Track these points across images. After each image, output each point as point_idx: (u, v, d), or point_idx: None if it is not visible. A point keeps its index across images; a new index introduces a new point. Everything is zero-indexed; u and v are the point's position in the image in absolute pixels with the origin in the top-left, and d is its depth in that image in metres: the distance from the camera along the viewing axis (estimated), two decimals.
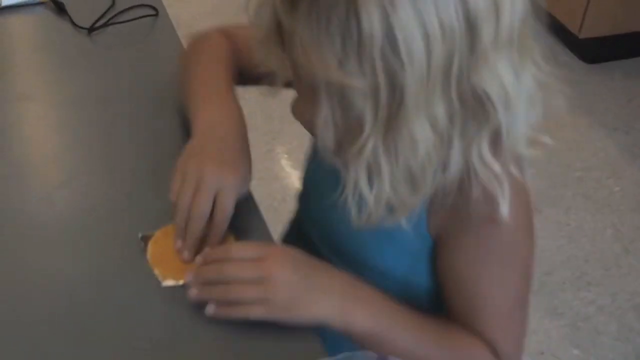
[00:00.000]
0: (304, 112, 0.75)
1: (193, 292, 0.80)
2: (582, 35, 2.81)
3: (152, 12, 1.28)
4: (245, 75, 0.99)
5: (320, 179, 0.91)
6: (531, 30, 0.71)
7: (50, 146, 1.08)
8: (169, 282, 0.84)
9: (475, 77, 0.66)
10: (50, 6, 1.29)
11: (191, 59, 1.03)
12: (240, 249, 0.83)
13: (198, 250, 0.85)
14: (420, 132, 0.67)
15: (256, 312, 0.77)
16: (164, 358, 0.78)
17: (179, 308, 0.82)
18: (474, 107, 0.68)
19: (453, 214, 0.78)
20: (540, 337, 1.91)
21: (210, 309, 0.79)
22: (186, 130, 0.95)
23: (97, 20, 1.25)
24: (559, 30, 2.95)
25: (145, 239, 0.88)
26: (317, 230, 0.99)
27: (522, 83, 0.70)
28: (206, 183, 0.84)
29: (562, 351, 1.89)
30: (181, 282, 0.83)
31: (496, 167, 0.73)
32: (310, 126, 0.75)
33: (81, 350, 0.78)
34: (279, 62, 0.74)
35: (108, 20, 1.26)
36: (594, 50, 2.88)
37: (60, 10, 1.28)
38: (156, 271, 0.85)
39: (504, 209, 0.75)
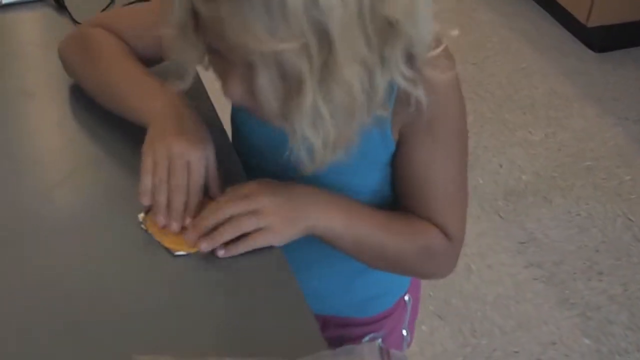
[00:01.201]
0: (238, 90, 0.78)
1: (203, 246, 0.85)
2: (590, 24, 2.79)
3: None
4: (140, 58, 1.03)
5: (264, 136, 0.95)
6: None
7: (51, 142, 1.07)
8: (181, 252, 0.87)
9: (382, 7, 0.72)
10: (50, 3, 1.29)
11: (93, 63, 1.04)
12: (225, 196, 0.89)
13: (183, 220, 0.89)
14: (351, 72, 0.72)
15: (261, 240, 0.86)
16: (171, 348, 0.77)
17: (183, 302, 0.82)
18: (386, 33, 0.74)
19: (408, 117, 0.86)
20: (551, 328, 1.90)
21: (220, 252, 0.85)
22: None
23: None
24: (566, 20, 2.94)
25: (145, 220, 0.89)
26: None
27: None
28: (177, 157, 0.88)
29: (573, 341, 1.88)
30: (193, 250, 0.86)
31: (412, 75, 0.79)
32: (247, 102, 0.79)
33: (85, 346, 0.78)
34: (194, 54, 0.78)
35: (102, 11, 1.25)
36: (602, 39, 2.86)
37: (60, 7, 1.28)
38: (167, 245, 0.87)
39: (423, 105, 0.82)
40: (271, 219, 0.86)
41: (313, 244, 0.90)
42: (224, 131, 1.03)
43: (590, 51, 2.89)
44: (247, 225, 0.85)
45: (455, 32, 0.84)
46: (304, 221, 0.88)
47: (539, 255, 2.11)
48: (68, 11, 1.27)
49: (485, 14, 3.10)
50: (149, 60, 1.02)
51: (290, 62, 0.71)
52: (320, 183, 0.92)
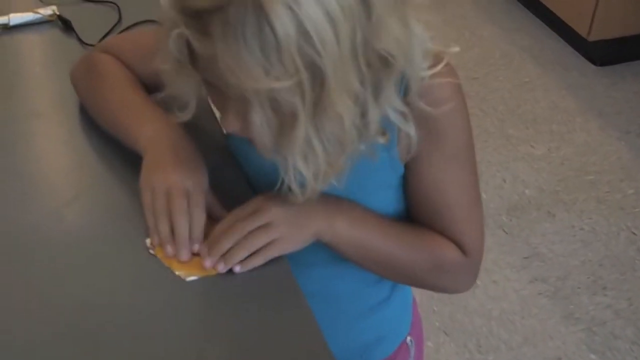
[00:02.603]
0: (235, 122, 0.79)
1: (220, 268, 0.86)
2: (591, 38, 2.81)
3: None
4: (145, 84, 1.05)
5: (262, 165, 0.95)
6: None
7: (59, 162, 1.08)
8: (192, 277, 0.87)
9: (376, 42, 0.73)
10: (57, 24, 1.30)
11: (95, 84, 1.06)
12: (233, 215, 0.89)
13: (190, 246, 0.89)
14: (343, 106, 0.73)
15: (274, 251, 0.87)
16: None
17: (189, 312, 0.83)
18: (379, 67, 0.75)
19: (415, 139, 0.86)
20: (556, 343, 1.90)
21: (236, 269, 0.87)
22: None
23: (103, 37, 1.26)
24: (568, 34, 2.95)
25: (153, 246, 0.89)
26: None
27: (411, 29, 0.77)
28: (174, 186, 0.89)
29: (579, 356, 1.88)
30: (203, 274, 0.87)
31: (403, 107, 0.81)
32: (244, 133, 0.79)
33: None
34: (192, 87, 0.80)
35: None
36: (604, 53, 2.88)
37: (67, 27, 1.29)
38: (177, 272, 0.87)
39: (413, 138, 0.84)
40: (282, 229, 0.87)
41: (316, 280, 0.90)
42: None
43: (591, 65, 2.90)
44: (260, 241, 0.87)
45: (455, 49, 0.85)
46: (313, 226, 0.89)
47: (544, 270, 2.11)
48: (75, 33, 1.28)
49: (487, 29, 3.11)
50: (154, 86, 1.02)
51: (284, 98, 0.71)
52: None
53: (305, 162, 0.77)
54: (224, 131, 0.98)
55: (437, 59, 0.84)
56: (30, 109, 1.15)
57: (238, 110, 0.77)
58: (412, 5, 0.79)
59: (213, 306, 0.86)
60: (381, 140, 0.83)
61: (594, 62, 2.90)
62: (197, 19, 0.70)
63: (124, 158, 1.01)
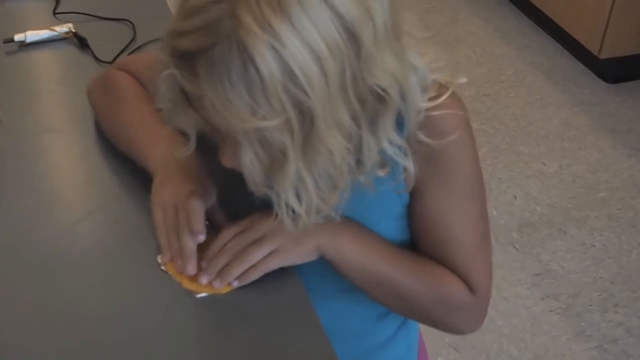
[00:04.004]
0: (229, 159, 0.80)
1: (216, 285, 0.87)
2: (602, 56, 2.81)
3: None
4: None
5: None
6: (395, 10, 0.76)
7: (75, 178, 1.10)
8: (202, 294, 0.87)
9: (368, 77, 0.72)
10: (73, 41, 1.32)
11: (109, 102, 1.07)
12: (230, 229, 0.89)
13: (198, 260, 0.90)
14: (333, 143, 0.73)
15: (272, 264, 0.86)
16: None
17: (200, 330, 0.84)
18: (373, 102, 0.74)
19: (420, 168, 0.85)
20: None
21: (234, 283, 0.87)
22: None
23: (118, 54, 1.28)
24: (579, 52, 2.95)
25: (165, 262, 0.90)
26: None
27: (404, 61, 0.76)
28: (180, 204, 0.89)
29: None
30: (213, 291, 0.87)
31: (401, 142, 0.80)
32: (239, 169, 0.79)
33: None
34: (190, 122, 0.80)
35: (129, 54, 1.28)
36: (615, 71, 2.88)
37: (83, 45, 1.31)
38: (187, 287, 0.88)
39: (411, 172, 0.83)
40: (279, 240, 0.86)
41: (321, 315, 0.88)
42: None
43: (603, 82, 2.90)
44: (255, 255, 0.86)
45: (462, 80, 0.84)
46: (313, 240, 0.87)
47: (555, 287, 2.10)
48: (91, 50, 1.30)
49: (499, 46, 3.12)
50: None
51: (272, 137, 0.72)
52: None
53: (297, 198, 0.77)
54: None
55: (442, 89, 0.83)
56: (46, 124, 1.17)
57: (230, 147, 0.77)
58: (411, 38, 0.79)
59: (224, 324, 0.87)
60: (381, 173, 0.83)
61: (605, 80, 2.90)
62: (185, 60, 0.71)
63: (138, 174, 1.02)
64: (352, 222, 0.90)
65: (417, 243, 0.95)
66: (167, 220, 0.90)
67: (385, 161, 0.82)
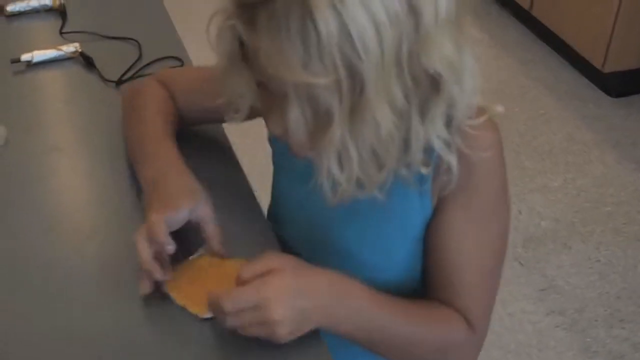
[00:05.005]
0: (277, 123, 0.80)
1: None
2: (606, 70, 2.81)
3: (178, 63, 1.32)
4: (185, 117, 1.08)
5: (297, 184, 0.93)
6: (463, 4, 0.77)
7: (81, 197, 1.10)
8: (207, 315, 0.87)
9: (424, 56, 0.73)
10: (79, 61, 1.33)
11: (130, 114, 1.10)
12: (244, 272, 0.83)
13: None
14: (382, 115, 0.73)
15: (258, 333, 0.81)
16: None
17: (205, 350, 0.84)
18: (427, 85, 0.75)
19: (445, 185, 0.85)
20: None
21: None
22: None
23: (124, 73, 1.29)
24: (583, 66, 2.96)
25: (166, 286, 0.90)
26: (304, 243, 1.02)
27: (463, 56, 0.77)
28: (147, 226, 0.89)
29: None
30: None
31: (447, 136, 0.80)
32: (284, 134, 0.79)
33: None
34: (245, 86, 0.80)
35: (135, 73, 1.30)
36: (619, 84, 2.88)
37: (89, 64, 1.32)
38: (191, 310, 0.88)
39: (454, 170, 0.82)
40: (279, 331, 0.80)
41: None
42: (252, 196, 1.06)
43: (607, 97, 2.91)
44: (251, 332, 0.82)
45: (500, 109, 0.84)
46: (307, 328, 0.83)
47: (560, 302, 2.10)
48: (97, 69, 1.31)
49: (503, 61, 3.13)
50: (192, 120, 1.08)
51: (321, 96, 0.72)
52: (354, 252, 0.92)
53: (339, 167, 0.77)
54: (268, 136, 0.99)
55: (480, 112, 0.83)
56: (52, 144, 1.18)
57: (280, 110, 0.77)
58: (467, 31, 0.78)
59: (227, 345, 0.86)
60: (423, 170, 0.82)
61: (609, 94, 2.90)
62: (247, 10, 0.72)
63: (142, 194, 1.02)
64: (354, 290, 0.85)
65: (425, 265, 0.94)
66: (139, 246, 0.88)
67: (428, 158, 0.82)
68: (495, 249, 0.92)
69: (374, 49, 0.69)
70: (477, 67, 0.80)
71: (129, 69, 1.30)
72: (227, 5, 0.75)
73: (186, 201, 0.92)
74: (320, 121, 0.75)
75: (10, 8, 1.46)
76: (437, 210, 0.89)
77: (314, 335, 0.85)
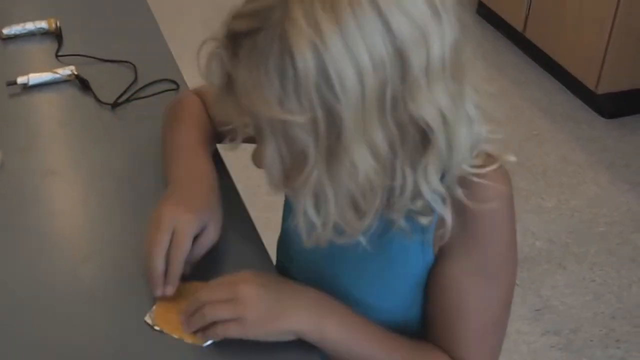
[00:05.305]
0: (258, 157, 0.79)
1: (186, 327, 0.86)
2: (599, 91, 2.83)
3: (174, 86, 1.33)
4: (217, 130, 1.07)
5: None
6: (466, 56, 0.74)
7: (76, 220, 1.11)
8: (209, 342, 0.86)
9: (411, 104, 0.70)
10: (75, 83, 1.34)
11: (168, 125, 1.10)
12: (214, 282, 0.87)
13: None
14: (360, 159, 0.71)
15: (232, 330, 0.82)
16: None
17: None
18: (415, 135, 0.72)
19: (449, 226, 0.81)
20: None
21: (198, 334, 0.85)
22: None
23: (120, 96, 1.30)
24: (576, 87, 2.98)
25: (155, 320, 0.90)
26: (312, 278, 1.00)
27: (459, 108, 0.74)
28: (163, 222, 0.89)
29: None
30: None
31: (441, 189, 0.77)
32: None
33: None
34: (236, 114, 0.78)
35: (131, 96, 1.30)
36: (612, 106, 2.90)
37: (85, 87, 1.33)
38: (189, 341, 0.87)
39: (448, 224, 0.79)
40: (248, 311, 0.82)
41: None
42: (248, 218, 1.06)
43: (600, 118, 2.92)
44: (219, 313, 0.83)
45: (512, 159, 0.81)
46: (285, 324, 0.83)
47: (556, 323, 2.10)
48: (93, 92, 1.31)
49: (497, 82, 3.15)
50: (226, 132, 1.04)
51: (297, 134, 0.71)
52: (354, 295, 0.89)
53: (315, 208, 0.75)
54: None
55: (488, 160, 0.80)
56: (48, 167, 1.18)
57: (259, 144, 0.77)
58: (467, 82, 0.75)
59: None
60: (423, 220, 0.79)
61: (602, 115, 2.92)
62: (233, 40, 0.72)
63: (138, 217, 1.02)
64: (340, 304, 0.86)
65: (425, 315, 0.91)
66: (158, 237, 0.88)
67: (429, 209, 0.78)
68: (501, 301, 0.88)
69: (354, 92, 0.68)
70: (479, 120, 0.76)
71: (124, 92, 1.31)
72: (218, 34, 0.75)
73: (207, 215, 0.92)
74: (296, 160, 0.73)
75: (6, 31, 1.46)
76: (438, 259, 0.86)
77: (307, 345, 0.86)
